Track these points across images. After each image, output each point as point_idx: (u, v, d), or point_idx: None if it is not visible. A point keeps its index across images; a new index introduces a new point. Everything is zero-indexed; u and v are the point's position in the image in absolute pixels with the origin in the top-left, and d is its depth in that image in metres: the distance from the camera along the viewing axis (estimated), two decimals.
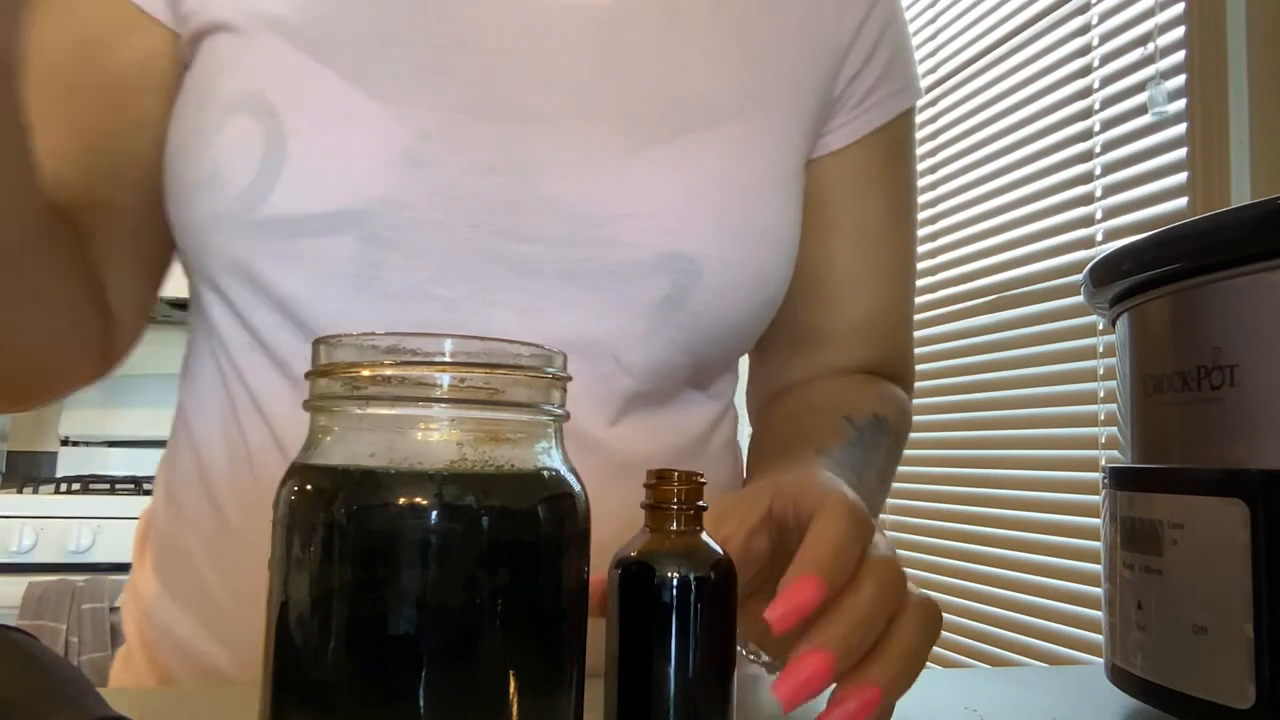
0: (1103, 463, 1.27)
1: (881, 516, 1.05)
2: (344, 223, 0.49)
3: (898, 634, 0.36)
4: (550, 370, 0.32)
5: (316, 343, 0.32)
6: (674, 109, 0.53)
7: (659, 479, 0.37)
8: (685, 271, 0.52)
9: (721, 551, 0.36)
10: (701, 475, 0.37)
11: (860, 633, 0.35)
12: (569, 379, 0.34)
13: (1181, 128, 1.20)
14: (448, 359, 0.30)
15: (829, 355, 0.65)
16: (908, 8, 1.94)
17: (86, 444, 2.41)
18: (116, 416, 2.40)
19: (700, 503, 0.37)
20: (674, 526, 0.36)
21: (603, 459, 0.53)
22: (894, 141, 0.64)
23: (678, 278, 0.52)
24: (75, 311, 0.52)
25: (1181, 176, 1.19)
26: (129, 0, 0.53)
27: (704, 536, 0.36)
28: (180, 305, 2.27)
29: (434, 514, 0.29)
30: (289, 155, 0.48)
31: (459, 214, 0.50)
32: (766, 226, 0.55)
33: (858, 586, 0.36)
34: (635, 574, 0.36)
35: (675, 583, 0.35)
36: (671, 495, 0.36)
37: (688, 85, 0.54)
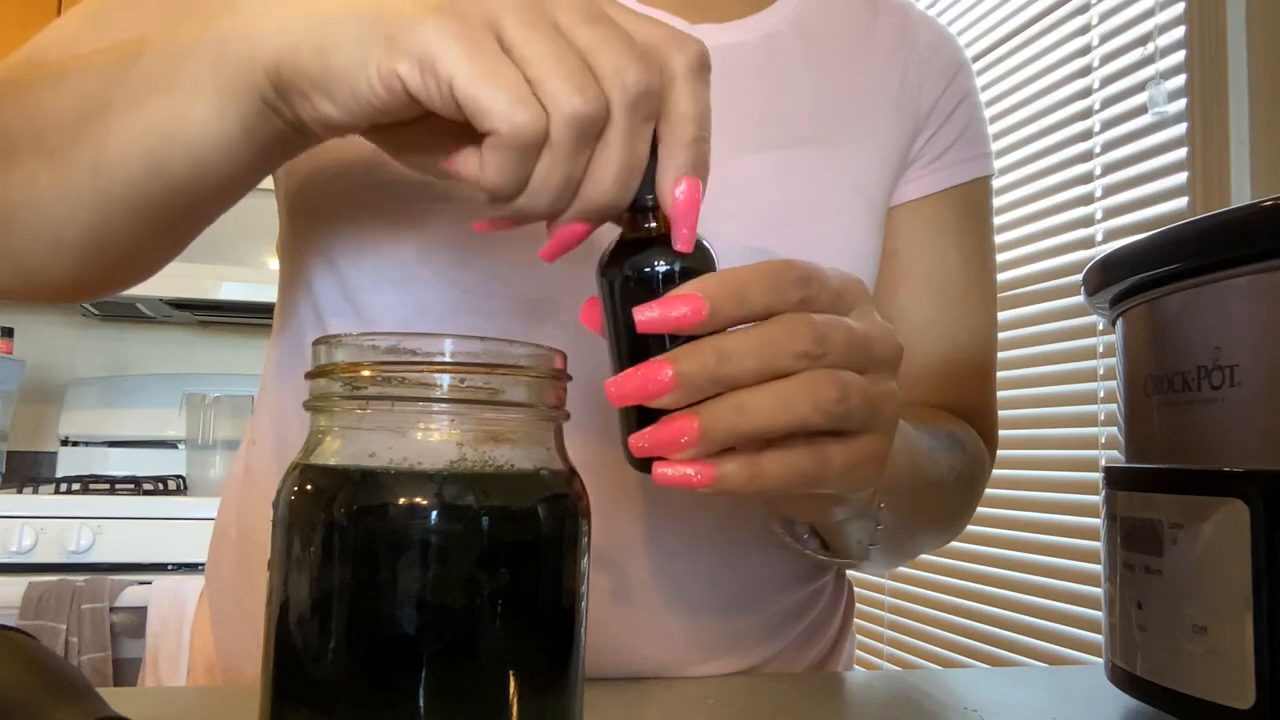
0: (1103, 463, 1.27)
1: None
2: (451, 192, 0.51)
3: (763, 388, 0.34)
4: (550, 370, 0.32)
5: (317, 343, 0.32)
6: (763, 130, 0.58)
7: None
8: None
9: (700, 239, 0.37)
10: None
11: (706, 363, 0.33)
12: (569, 379, 0.34)
13: (1181, 128, 1.19)
14: (448, 359, 0.30)
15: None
16: None
17: (86, 444, 2.41)
18: (116, 416, 2.39)
19: None
20: (650, 224, 0.37)
21: None
22: (969, 203, 0.66)
23: None
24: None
25: (1181, 176, 1.19)
26: None
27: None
28: (181, 306, 2.26)
29: (434, 514, 0.29)
30: None
31: None
32: (844, 239, 0.58)
33: (745, 331, 0.34)
34: (629, 275, 0.36)
35: (668, 272, 0.36)
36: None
37: (778, 113, 0.59)
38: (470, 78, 0.32)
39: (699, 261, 0.36)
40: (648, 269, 0.36)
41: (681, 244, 0.36)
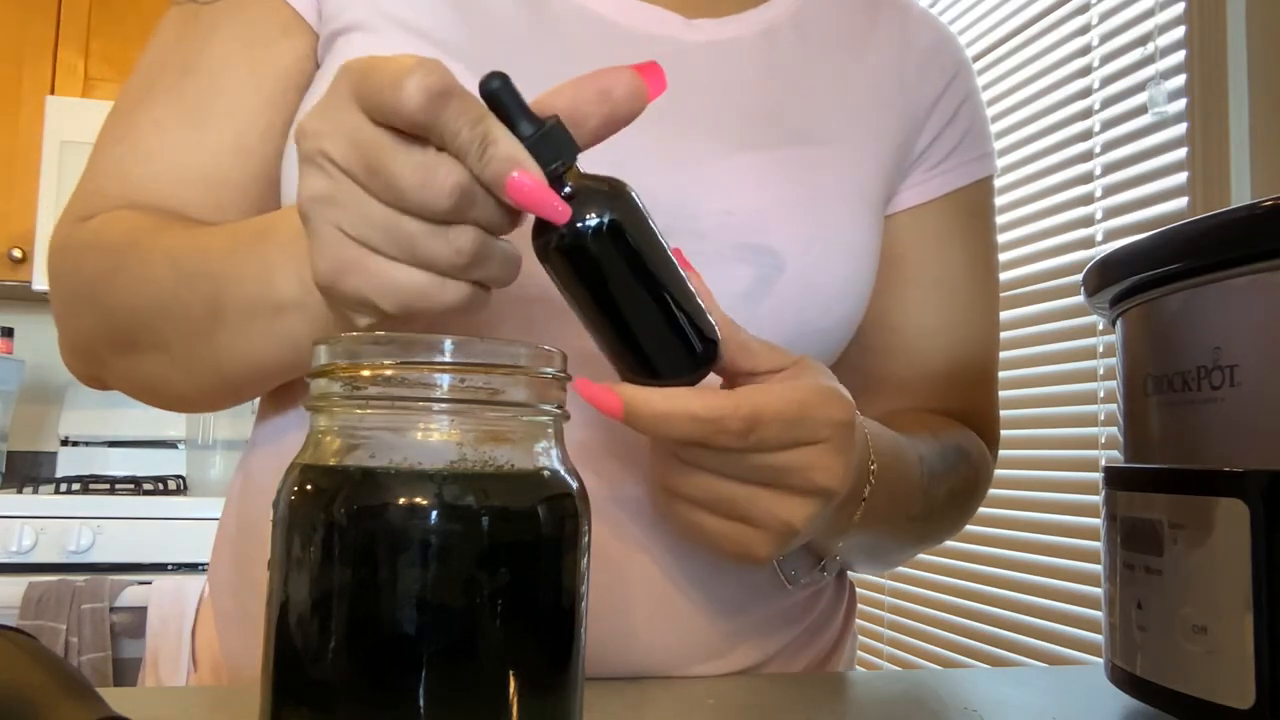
0: (1103, 463, 1.27)
1: None
2: None
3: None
4: (549, 370, 0.32)
5: (317, 343, 0.32)
6: (761, 126, 0.57)
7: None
8: (767, 265, 0.54)
9: (607, 178, 0.38)
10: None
11: (645, 423, 0.40)
12: (569, 379, 0.34)
13: (1181, 128, 1.19)
14: (448, 359, 0.30)
15: (907, 404, 0.65)
16: None
17: (86, 444, 2.41)
18: (116, 416, 2.40)
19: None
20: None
21: None
22: (973, 205, 0.66)
23: (760, 270, 0.54)
24: None
25: (1181, 176, 1.19)
26: (285, 2, 0.55)
27: (581, 173, 0.38)
28: None
29: (434, 514, 0.29)
30: None
31: None
32: (843, 236, 0.58)
33: (688, 417, 0.40)
34: (554, 252, 0.38)
35: (572, 243, 0.37)
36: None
37: (776, 109, 0.58)
38: (394, 304, 0.37)
39: (607, 202, 0.37)
40: (552, 243, 0.38)
41: (555, 219, 0.37)
